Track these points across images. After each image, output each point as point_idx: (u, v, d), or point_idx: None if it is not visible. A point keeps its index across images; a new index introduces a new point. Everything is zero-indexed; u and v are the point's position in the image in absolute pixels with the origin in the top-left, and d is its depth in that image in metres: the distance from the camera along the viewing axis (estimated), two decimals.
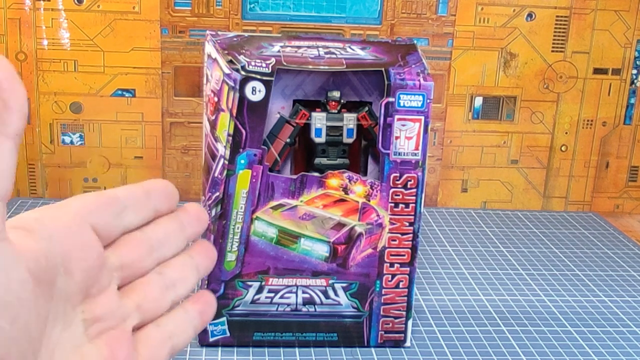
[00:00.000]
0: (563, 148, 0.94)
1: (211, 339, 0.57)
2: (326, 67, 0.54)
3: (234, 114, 0.52)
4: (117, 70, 0.86)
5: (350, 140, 0.56)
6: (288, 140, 0.55)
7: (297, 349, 0.58)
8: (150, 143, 0.88)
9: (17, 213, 0.83)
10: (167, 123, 0.88)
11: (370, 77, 0.56)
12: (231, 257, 0.55)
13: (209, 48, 0.55)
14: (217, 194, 0.53)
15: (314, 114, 0.55)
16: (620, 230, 0.89)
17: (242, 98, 0.52)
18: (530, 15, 0.88)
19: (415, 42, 0.59)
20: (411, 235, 0.56)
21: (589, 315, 0.66)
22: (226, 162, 0.53)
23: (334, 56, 0.55)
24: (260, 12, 0.86)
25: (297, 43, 0.57)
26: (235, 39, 0.56)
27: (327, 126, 0.55)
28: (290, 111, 0.56)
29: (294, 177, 0.54)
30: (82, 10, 0.84)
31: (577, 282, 0.73)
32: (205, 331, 0.56)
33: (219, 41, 0.55)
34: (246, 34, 0.58)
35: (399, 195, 0.55)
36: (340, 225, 0.55)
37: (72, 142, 0.88)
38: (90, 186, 0.89)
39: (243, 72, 0.51)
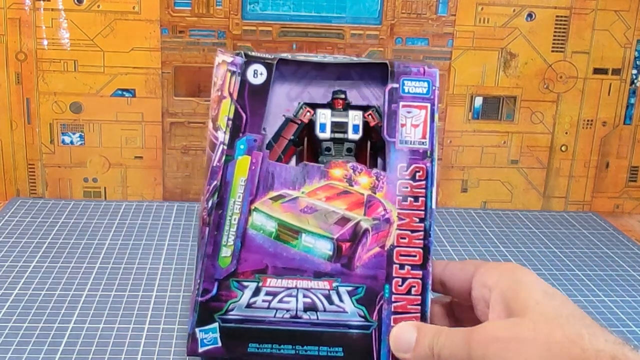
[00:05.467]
0: (563, 148, 0.94)
1: (201, 349, 0.51)
2: (331, 60, 0.53)
3: (235, 97, 0.51)
4: (117, 70, 0.86)
5: (356, 137, 0.54)
6: (292, 137, 0.54)
7: None
8: (150, 143, 0.88)
9: (17, 213, 0.83)
10: (167, 123, 0.88)
11: (377, 81, 0.55)
12: (226, 252, 0.51)
13: (218, 59, 0.55)
14: (215, 182, 0.51)
15: (318, 109, 0.54)
16: (620, 230, 0.89)
17: (244, 81, 0.51)
18: (530, 15, 0.89)
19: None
20: (422, 233, 0.51)
21: (589, 315, 0.66)
22: (225, 148, 0.51)
23: (337, 57, 0.55)
24: (260, 12, 0.86)
25: (302, 54, 0.57)
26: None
27: (332, 122, 0.54)
28: (294, 110, 0.55)
29: (295, 166, 0.53)
30: (82, 10, 0.84)
31: (577, 282, 0.73)
32: (194, 339, 0.51)
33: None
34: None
35: (407, 187, 0.52)
36: (344, 220, 0.51)
37: (72, 142, 0.88)
38: (90, 186, 0.89)
39: (245, 57, 0.51)
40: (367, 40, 0.87)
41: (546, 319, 0.42)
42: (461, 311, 0.53)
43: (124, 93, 0.87)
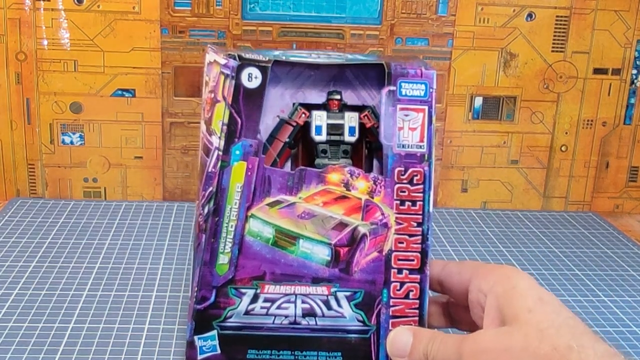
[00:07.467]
0: (563, 148, 0.94)
1: (200, 357, 0.51)
2: (325, 61, 0.53)
3: (230, 102, 0.50)
4: (117, 70, 0.86)
5: (352, 139, 0.54)
6: (287, 139, 0.53)
7: None
8: (150, 143, 0.88)
9: (17, 213, 0.83)
10: (167, 123, 0.88)
11: (373, 81, 0.54)
12: (224, 259, 0.51)
13: (209, 57, 0.54)
14: (211, 188, 0.50)
15: (314, 111, 0.53)
16: (620, 230, 0.89)
17: (238, 85, 0.50)
18: (530, 15, 0.88)
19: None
20: (420, 237, 0.51)
21: (589, 315, 0.66)
22: (220, 153, 0.50)
23: (331, 56, 0.55)
24: (260, 12, 0.86)
25: (296, 51, 0.56)
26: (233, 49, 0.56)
27: (327, 124, 0.53)
28: (289, 111, 0.55)
29: (292, 171, 0.52)
30: (82, 10, 0.84)
31: (577, 282, 0.73)
32: (193, 347, 0.51)
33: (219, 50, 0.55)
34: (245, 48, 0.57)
35: (404, 191, 0.51)
36: (342, 225, 0.51)
37: (72, 142, 0.88)
38: (90, 186, 0.89)
39: (239, 60, 0.50)
40: (367, 40, 0.87)
41: (537, 329, 0.42)
42: (458, 311, 0.53)
43: (124, 93, 0.87)
